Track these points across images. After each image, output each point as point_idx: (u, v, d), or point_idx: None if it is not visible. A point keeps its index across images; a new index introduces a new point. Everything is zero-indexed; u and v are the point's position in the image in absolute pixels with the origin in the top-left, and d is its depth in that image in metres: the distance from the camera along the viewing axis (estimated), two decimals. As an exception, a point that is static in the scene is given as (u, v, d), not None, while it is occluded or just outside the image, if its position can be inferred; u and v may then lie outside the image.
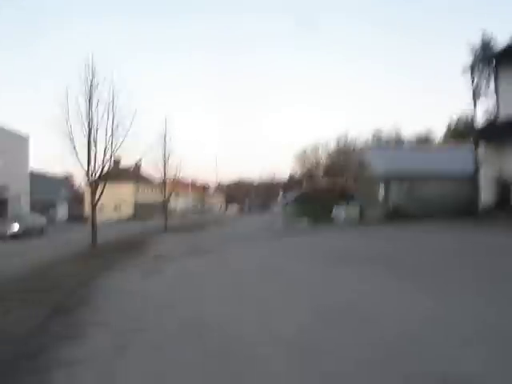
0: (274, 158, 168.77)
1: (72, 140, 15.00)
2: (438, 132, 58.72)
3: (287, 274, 9.10)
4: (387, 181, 25.20)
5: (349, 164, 30.86)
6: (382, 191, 25.62)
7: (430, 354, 3.87)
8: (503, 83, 19.52)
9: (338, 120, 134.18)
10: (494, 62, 21.04)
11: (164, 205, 34.33)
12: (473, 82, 54.18)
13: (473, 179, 21.93)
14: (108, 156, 16.05)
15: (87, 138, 15.18)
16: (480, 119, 26.92)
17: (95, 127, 15.38)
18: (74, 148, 14.99)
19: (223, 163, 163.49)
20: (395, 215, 24.54)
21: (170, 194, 34.11)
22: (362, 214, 28.00)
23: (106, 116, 15.64)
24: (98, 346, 4.63)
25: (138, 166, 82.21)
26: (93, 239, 16.21)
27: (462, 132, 53.57)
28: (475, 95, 54.57)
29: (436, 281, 7.47)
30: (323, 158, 38.38)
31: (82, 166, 15.45)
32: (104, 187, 17.30)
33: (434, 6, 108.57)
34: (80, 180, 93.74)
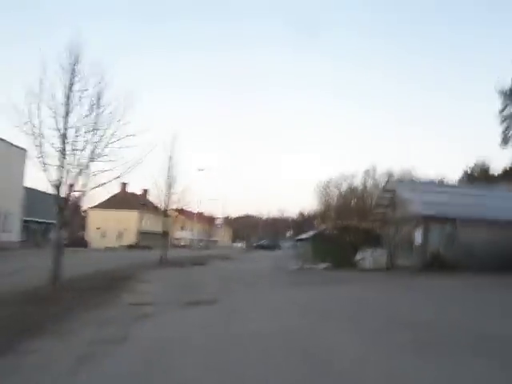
0: (283, 195, 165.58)
1: (40, 142, 11.16)
2: (451, 177, 55.29)
3: (325, 354, 5.21)
4: (426, 223, 21.24)
5: (376, 202, 26.90)
6: (418, 235, 21.60)
7: None
8: None
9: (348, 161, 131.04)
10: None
11: (164, 235, 30.55)
12: (502, 123, 51.23)
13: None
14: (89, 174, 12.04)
15: (62, 140, 11.34)
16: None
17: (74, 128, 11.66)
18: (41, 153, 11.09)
19: (232, 198, 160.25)
20: (434, 265, 20.45)
21: (172, 224, 30.35)
22: (390, 261, 23.87)
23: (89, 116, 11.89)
24: None
25: (144, 192, 79.62)
26: (55, 272, 11.66)
27: (478, 177, 50.20)
28: (505, 138, 51.41)
29: None
30: (346, 194, 34.41)
31: (47, 175, 11.31)
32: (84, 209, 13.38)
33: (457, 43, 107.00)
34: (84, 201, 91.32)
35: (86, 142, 11.10)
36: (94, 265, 22.48)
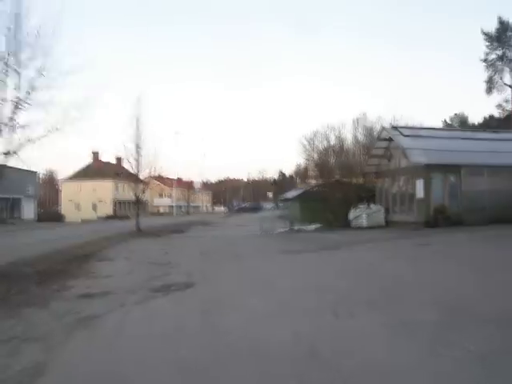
0: (264, 157, 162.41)
1: None
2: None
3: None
4: (427, 173, 18.99)
5: (369, 153, 24.56)
6: (419, 188, 19.40)
7: None
8: None
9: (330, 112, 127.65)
10: None
11: (137, 202, 27.79)
12: (488, 69, 49.05)
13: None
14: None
15: None
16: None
17: None
18: None
19: (211, 162, 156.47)
20: (438, 219, 18.39)
21: (144, 190, 27.56)
22: (387, 217, 21.78)
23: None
24: None
25: (119, 161, 75.58)
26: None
27: (456, 127, 48.46)
28: (490, 85, 49.37)
29: None
30: (334, 146, 31.64)
31: None
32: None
33: None
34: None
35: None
36: (57, 241, 19.81)
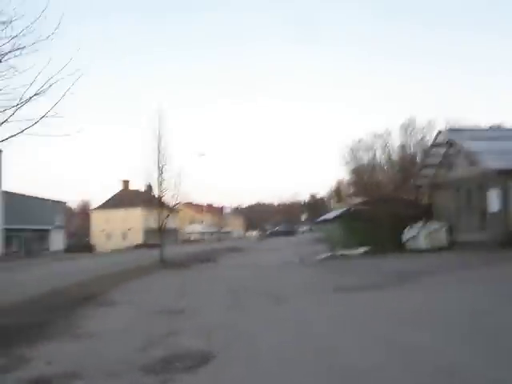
0: (295, 179, 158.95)
1: None
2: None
3: None
4: (503, 182, 15.49)
5: (422, 163, 21.21)
6: (492, 200, 15.88)
7: None
8: None
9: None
10: None
11: (160, 230, 25.13)
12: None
13: None
14: None
15: None
16: None
17: None
18: None
19: (241, 186, 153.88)
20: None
21: (167, 217, 24.99)
22: (450, 236, 18.24)
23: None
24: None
25: (149, 188, 74.12)
26: None
27: None
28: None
29: None
30: (383, 157, 27.92)
31: None
32: None
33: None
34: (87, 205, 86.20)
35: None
36: (67, 275, 17.35)
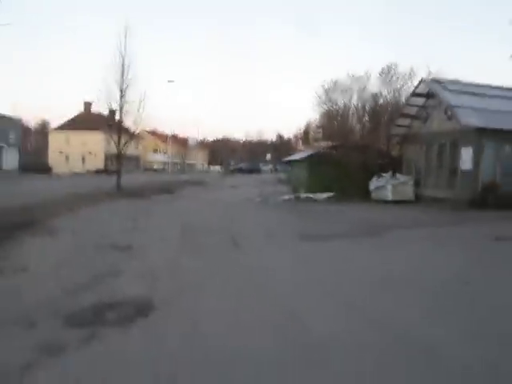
0: (262, 117, 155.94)
1: None
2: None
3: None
4: (478, 140, 15.03)
5: (400, 112, 20.48)
6: (465, 158, 15.47)
7: None
8: None
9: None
10: None
11: (118, 156, 23.74)
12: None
13: None
14: None
15: None
16: None
17: None
18: None
19: (208, 119, 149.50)
20: (487, 198, 14.61)
21: (127, 143, 23.53)
22: (417, 192, 17.97)
23: None
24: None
25: (111, 112, 70.58)
26: None
27: None
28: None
29: None
30: (356, 100, 26.66)
31: None
32: None
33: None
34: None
35: None
36: (15, 197, 16.00)
